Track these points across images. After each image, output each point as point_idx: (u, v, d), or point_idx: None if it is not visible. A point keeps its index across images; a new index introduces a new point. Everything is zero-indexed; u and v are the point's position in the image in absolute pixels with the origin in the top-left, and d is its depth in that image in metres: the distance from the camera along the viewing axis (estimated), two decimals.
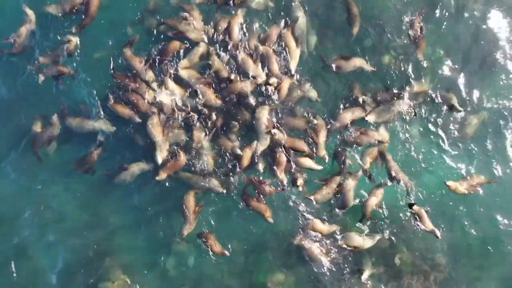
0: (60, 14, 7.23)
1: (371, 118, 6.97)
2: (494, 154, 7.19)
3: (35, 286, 7.10)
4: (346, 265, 6.92)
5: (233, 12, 7.11)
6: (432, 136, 7.20)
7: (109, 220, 7.20)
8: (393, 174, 6.82)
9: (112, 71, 6.99)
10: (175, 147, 6.77)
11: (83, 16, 7.15)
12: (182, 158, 6.68)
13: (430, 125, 7.21)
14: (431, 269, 6.99)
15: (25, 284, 7.07)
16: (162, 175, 6.62)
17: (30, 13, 7.22)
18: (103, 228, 7.19)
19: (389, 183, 6.88)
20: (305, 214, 6.93)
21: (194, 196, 6.74)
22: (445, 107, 7.17)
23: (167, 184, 6.90)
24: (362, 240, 6.78)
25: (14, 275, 7.09)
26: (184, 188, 6.86)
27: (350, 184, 6.78)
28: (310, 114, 6.93)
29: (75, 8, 7.25)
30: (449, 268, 7.02)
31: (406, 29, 7.22)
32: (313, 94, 6.95)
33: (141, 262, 7.11)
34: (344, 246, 6.77)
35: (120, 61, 7.02)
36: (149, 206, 7.10)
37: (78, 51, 7.17)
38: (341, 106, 7.04)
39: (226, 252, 6.77)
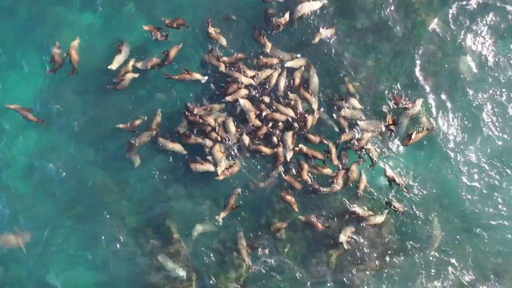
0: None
1: (362, 125, 9.90)
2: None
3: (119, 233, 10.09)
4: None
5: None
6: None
7: (168, 194, 10.11)
8: (374, 158, 9.85)
9: (185, 111, 9.87)
10: (233, 161, 9.87)
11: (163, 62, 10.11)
12: (236, 168, 9.83)
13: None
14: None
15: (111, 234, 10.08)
16: (220, 177, 9.70)
17: (131, 63, 10.06)
18: (165, 198, 10.10)
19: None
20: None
21: (236, 197, 9.76)
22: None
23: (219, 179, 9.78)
24: (382, 217, 9.70)
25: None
26: (228, 182, 9.91)
27: (353, 168, 9.75)
28: (323, 137, 9.88)
29: (156, 64, 10.07)
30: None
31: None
32: (330, 122, 10.04)
33: (190, 220, 10.05)
34: (367, 224, 9.71)
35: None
36: (203, 188, 10.06)
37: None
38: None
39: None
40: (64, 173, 10.18)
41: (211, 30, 10.10)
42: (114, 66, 10.05)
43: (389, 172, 9.81)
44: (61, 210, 10.18)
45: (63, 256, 10.11)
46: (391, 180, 9.83)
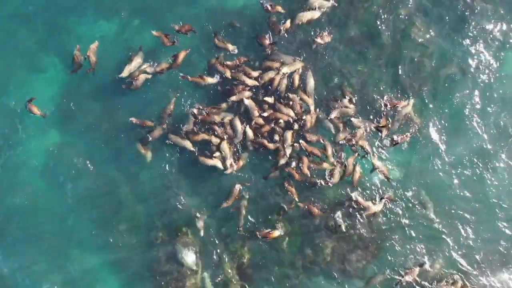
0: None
1: (355, 121, 10.58)
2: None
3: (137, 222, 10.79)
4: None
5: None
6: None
7: (177, 187, 10.75)
8: (367, 149, 10.51)
9: (192, 111, 10.53)
10: (237, 156, 10.56)
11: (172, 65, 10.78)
12: (241, 163, 10.54)
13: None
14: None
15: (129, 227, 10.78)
16: (229, 171, 10.44)
17: (143, 67, 10.70)
18: (174, 191, 10.74)
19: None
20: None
21: (239, 189, 10.44)
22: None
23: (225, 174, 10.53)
24: (380, 206, 10.33)
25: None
26: (233, 175, 10.58)
27: (350, 160, 10.42)
28: (320, 137, 10.52)
29: (165, 69, 10.73)
30: None
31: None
32: (330, 125, 10.65)
33: (197, 212, 10.64)
34: (366, 214, 10.36)
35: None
36: (210, 182, 10.72)
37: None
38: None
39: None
40: (79, 167, 10.77)
41: (217, 41, 10.86)
42: (124, 74, 10.69)
43: (376, 161, 10.52)
44: (75, 202, 10.76)
45: (76, 244, 10.72)
46: (375, 168, 10.51)
